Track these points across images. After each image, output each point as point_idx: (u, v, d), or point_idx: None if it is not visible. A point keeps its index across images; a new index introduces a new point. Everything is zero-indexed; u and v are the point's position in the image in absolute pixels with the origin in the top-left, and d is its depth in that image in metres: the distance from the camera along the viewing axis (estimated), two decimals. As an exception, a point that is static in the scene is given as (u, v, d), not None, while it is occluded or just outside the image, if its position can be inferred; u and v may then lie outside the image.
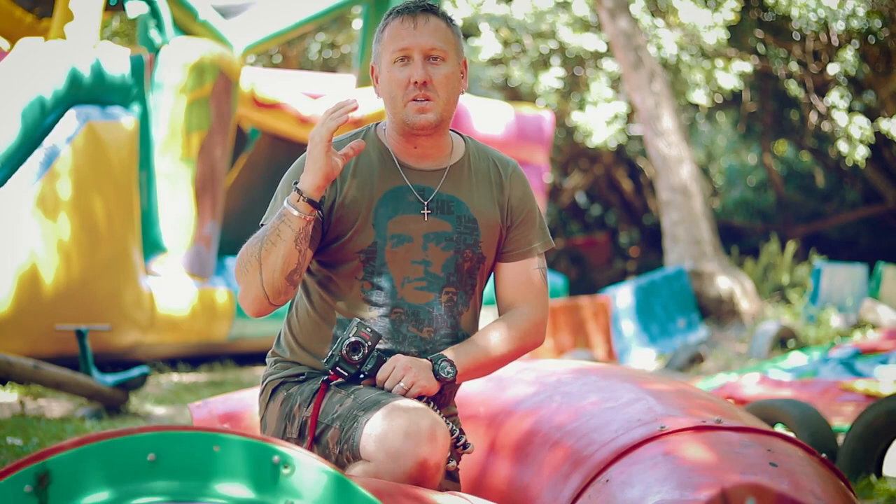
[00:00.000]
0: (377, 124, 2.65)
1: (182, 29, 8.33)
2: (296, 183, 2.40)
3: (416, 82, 2.48)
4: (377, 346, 2.47)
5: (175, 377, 7.93)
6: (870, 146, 13.07)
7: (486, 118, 11.11)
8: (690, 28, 13.05)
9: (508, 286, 2.65)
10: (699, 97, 13.51)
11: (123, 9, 8.15)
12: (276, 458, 1.83)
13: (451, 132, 2.64)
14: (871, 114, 13.41)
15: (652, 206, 18.02)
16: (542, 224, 2.69)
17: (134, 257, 7.73)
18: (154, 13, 8.03)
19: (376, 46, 2.56)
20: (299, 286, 2.61)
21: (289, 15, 9.38)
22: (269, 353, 2.65)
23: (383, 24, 2.55)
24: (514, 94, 15.41)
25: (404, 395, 2.43)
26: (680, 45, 13.03)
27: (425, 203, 2.55)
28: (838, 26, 12.11)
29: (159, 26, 8.05)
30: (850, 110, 12.71)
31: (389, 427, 2.28)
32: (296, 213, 2.37)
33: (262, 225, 2.55)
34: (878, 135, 13.38)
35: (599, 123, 13.58)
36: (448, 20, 2.55)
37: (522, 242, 2.65)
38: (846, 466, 4.14)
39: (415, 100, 2.50)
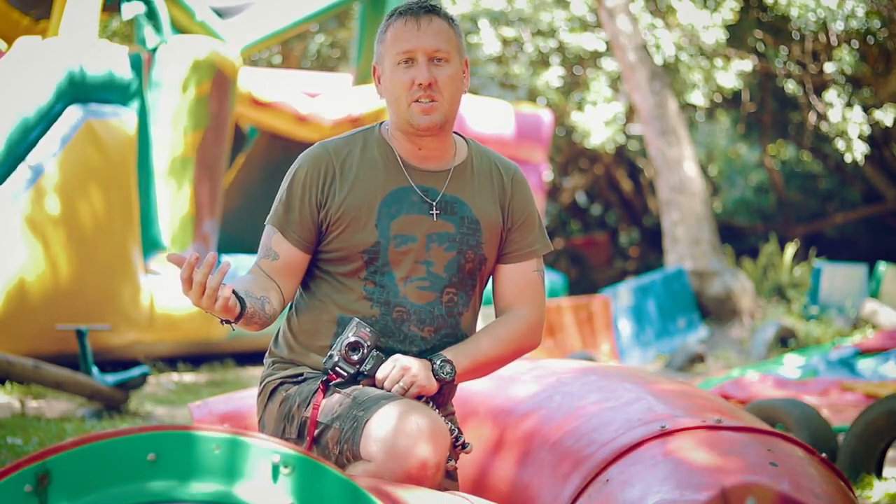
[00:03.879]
0: (381, 123, 2.65)
1: (180, 29, 8.32)
2: None
3: (420, 84, 2.48)
4: (376, 345, 2.46)
5: (175, 377, 7.92)
6: (870, 145, 13.05)
7: (484, 116, 11.07)
8: (689, 28, 13.03)
9: (507, 288, 2.65)
10: (698, 98, 13.49)
11: (120, 9, 8.13)
12: (276, 457, 1.83)
13: (453, 134, 2.64)
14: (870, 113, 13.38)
15: (652, 206, 18.01)
16: (541, 227, 2.69)
17: (133, 256, 7.72)
18: (151, 13, 8.02)
19: (379, 47, 2.56)
20: (299, 286, 2.61)
21: (286, 14, 9.37)
22: (267, 353, 2.65)
23: (385, 24, 2.54)
24: (513, 93, 15.39)
25: (403, 394, 2.43)
26: (678, 45, 13.01)
27: (433, 203, 2.56)
28: (837, 26, 12.10)
29: (157, 26, 8.04)
30: (849, 105, 12.68)
31: (390, 427, 2.28)
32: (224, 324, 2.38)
33: (265, 224, 2.57)
34: (879, 132, 13.35)
35: (598, 124, 13.56)
36: (450, 20, 2.55)
37: (522, 245, 2.65)
38: (846, 466, 4.14)
39: (418, 101, 2.50)
